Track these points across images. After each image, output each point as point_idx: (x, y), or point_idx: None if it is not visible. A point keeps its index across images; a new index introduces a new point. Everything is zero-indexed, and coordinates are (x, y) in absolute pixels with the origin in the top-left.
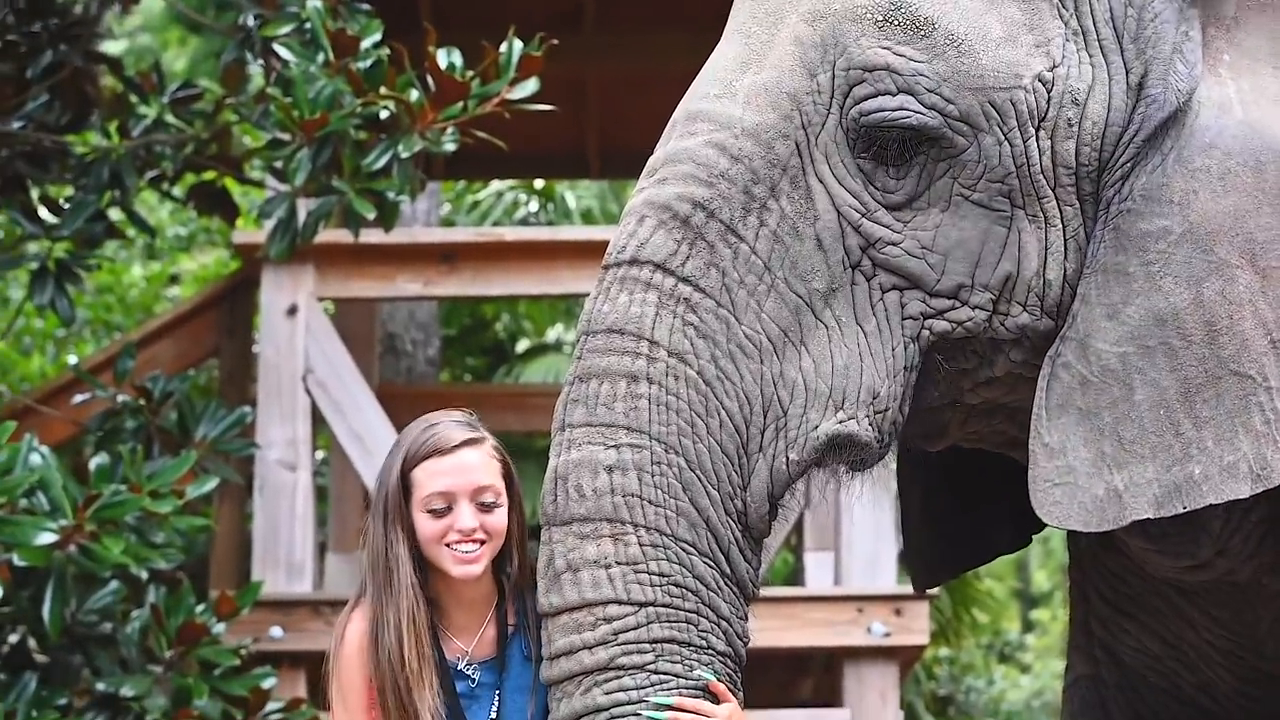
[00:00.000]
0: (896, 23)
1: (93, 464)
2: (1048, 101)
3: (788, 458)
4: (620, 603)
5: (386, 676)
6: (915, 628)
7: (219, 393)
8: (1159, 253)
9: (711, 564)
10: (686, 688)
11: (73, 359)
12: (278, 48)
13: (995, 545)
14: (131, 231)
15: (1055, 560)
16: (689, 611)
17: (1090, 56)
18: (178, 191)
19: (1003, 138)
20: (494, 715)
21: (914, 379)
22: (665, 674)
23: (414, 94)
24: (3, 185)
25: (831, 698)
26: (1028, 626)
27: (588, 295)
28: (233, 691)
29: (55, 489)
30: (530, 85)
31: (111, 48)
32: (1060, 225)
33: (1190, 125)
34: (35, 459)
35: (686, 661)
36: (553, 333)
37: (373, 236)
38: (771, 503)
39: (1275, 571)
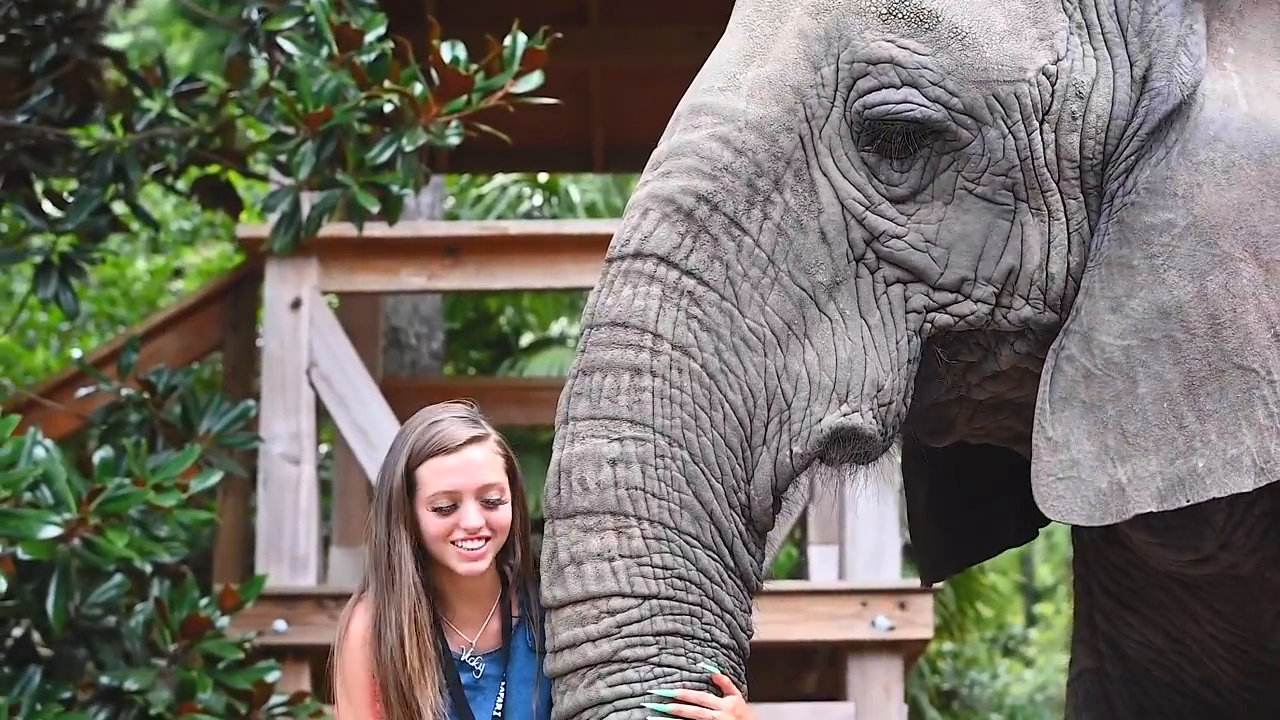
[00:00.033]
0: (900, 16)
1: (97, 457)
2: (1052, 95)
3: (791, 450)
4: (624, 596)
5: (389, 673)
6: (919, 621)
7: (223, 386)
8: (1163, 246)
9: (715, 557)
10: (690, 680)
11: (77, 353)
12: (282, 41)
13: (1001, 539)
14: (135, 225)
15: (1059, 554)
16: (693, 604)
17: (1094, 50)
18: (182, 185)
19: (1007, 131)
20: (499, 707)
21: (915, 371)
22: (669, 667)
23: (418, 87)
24: (7, 179)
25: (835, 691)
26: (1031, 621)
27: (592, 289)
28: (237, 685)
29: (59, 482)
30: (534, 79)
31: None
32: (1064, 219)
33: (1194, 118)
34: (39, 452)
35: (690, 654)
36: (557, 326)
37: (377, 230)
38: (775, 496)
39: (1279, 565)
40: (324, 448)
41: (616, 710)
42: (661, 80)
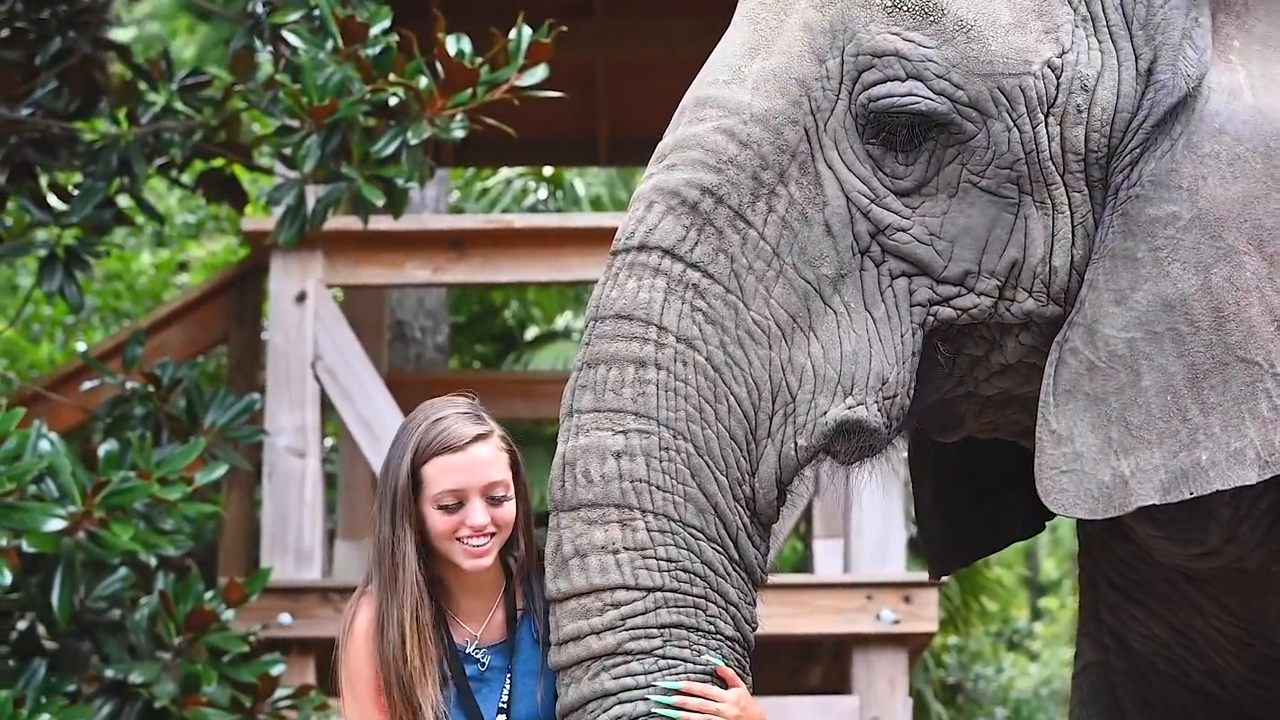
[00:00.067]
0: (905, 8)
1: (101, 450)
2: (1057, 88)
3: (796, 443)
4: (628, 588)
5: (390, 670)
6: (924, 615)
7: (228, 380)
8: (1167, 238)
9: (720, 549)
10: (694, 672)
11: (82, 346)
12: (287, 34)
13: (1008, 533)
14: (140, 219)
15: (1064, 548)
16: (697, 597)
17: (1100, 43)
18: (186, 179)
19: (1012, 124)
20: (505, 699)
21: (918, 365)
22: (673, 659)
23: (423, 81)
24: (12, 172)
25: (840, 685)
26: (1036, 614)
27: (597, 282)
28: (241, 678)
29: (64, 475)
30: (539, 72)
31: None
32: (1068, 212)
33: (1200, 111)
34: (44, 446)
35: (694, 646)
36: (561, 320)
37: (382, 223)
38: (780, 488)
39: None
40: (329, 441)
41: (621, 702)
42: (666, 73)
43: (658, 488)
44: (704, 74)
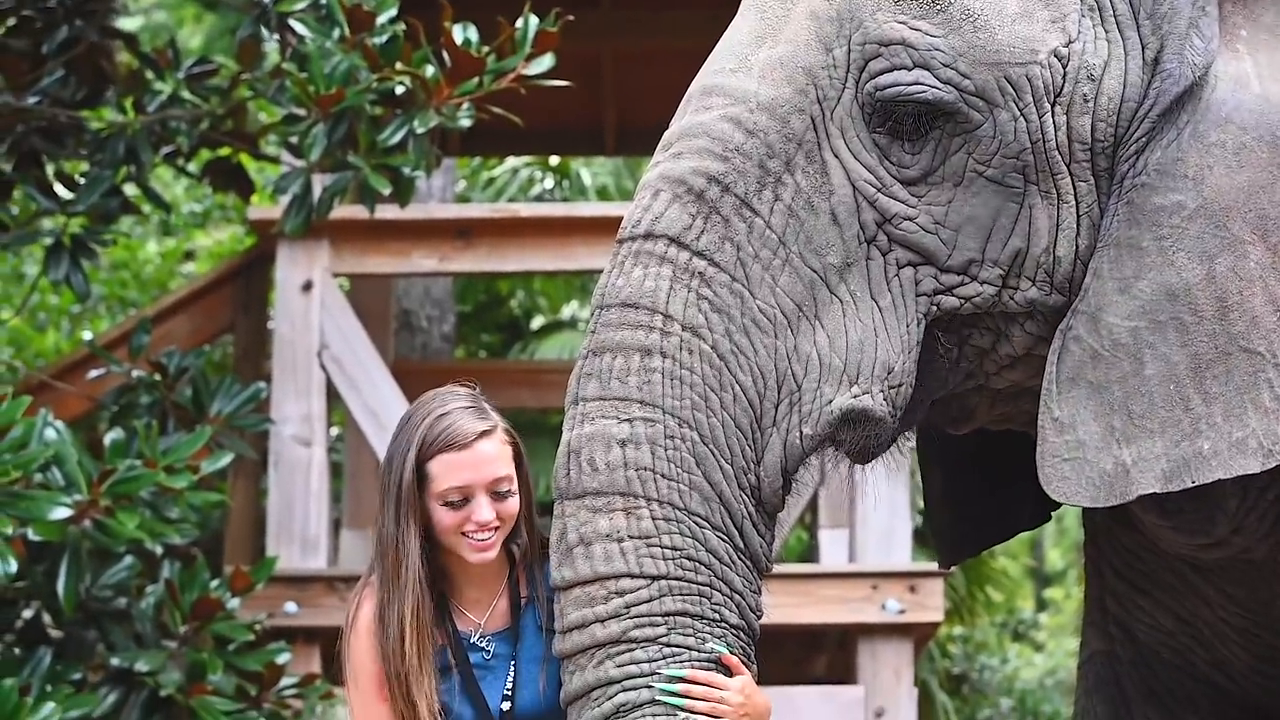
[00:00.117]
0: None
1: (107, 439)
2: (1063, 77)
3: (802, 432)
4: (632, 576)
5: (390, 664)
6: (930, 605)
7: (234, 368)
8: (1172, 228)
9: (724, 538)
10: (699, 660)
11: (88, 335)
12: (293, 23)
13: (1017, 522)
14: (147, 207)
15: (1069, 539)
16: (702, 585)
17: (1106, 32)
18: (193, 167)
19: (1018, 113)
20: (509, 686)
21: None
22: (677, 647)
23: (430, 69)
24: (18, 161)
25: (846, 674)
26: (1041, 605)
27: (603, 271)
28: (247, 667)
29: (70, 464)
30: (546, 61)
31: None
32: (1074, 201)
33: (1206, 100)
34: (50, 434)
35: (699, 635)
36: (568, 309)
37: (388, 212)
38: (785, 477)
39: None
40: (335, 430)
41: (625, 690)
42: (673, 62)
43: (663, 476)
44: (710, 62)
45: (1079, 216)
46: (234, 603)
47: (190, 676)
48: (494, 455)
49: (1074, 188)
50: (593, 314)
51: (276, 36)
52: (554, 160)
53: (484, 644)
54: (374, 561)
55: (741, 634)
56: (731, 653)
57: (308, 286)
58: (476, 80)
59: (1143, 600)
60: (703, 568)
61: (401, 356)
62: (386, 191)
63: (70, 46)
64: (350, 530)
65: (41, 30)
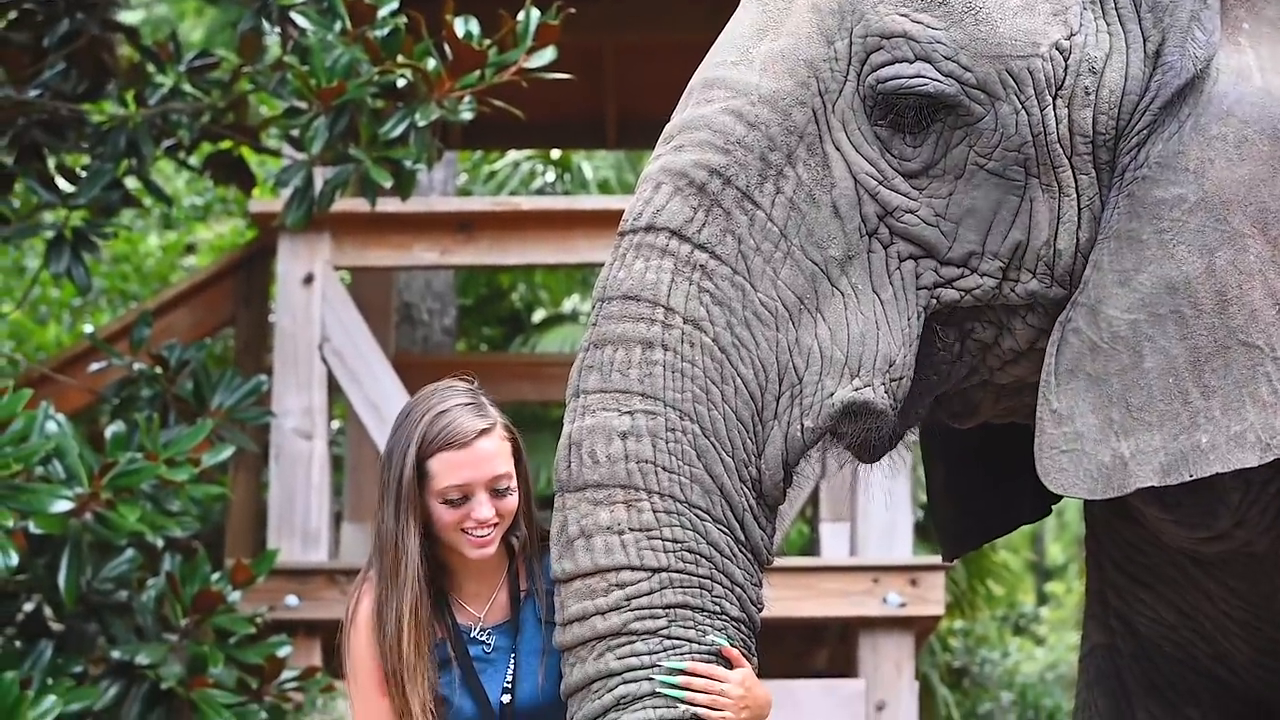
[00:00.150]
0: None
1: (109, 432)
2: (1065, 70)
3: (803, 425)
4: (633, 568)
5: (387, 661)
6: (931, 598)
7: (235, 361)
8: (1173, 221)
9: (725, 530)
10: (699, 653)
11: (89, 328)
12: (295, 16)
13: (1018, 515)
14: (148, 200)
15: (1070, 533)
16: (702, 577)
17: (1108, 25)
18: (194, 160)
19: (1020, 106)
20: (509, 678)
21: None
22: (678, 639)
23: (431, 62)
24: (19, 154)
25: (846, 668)
26: (1042, 599)
27: (604, 264)
28: (248, 660)
29: (71, 457)
30: (547, 54)
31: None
32: (1075, 194)
33: (1208, 93)
34: (51, 427)
35: (699, 627)
36: (569, 303)
37: (389, 205)
38: (786, 470)
39: None
40: (336, 423)
41: (625, 682)
42: (675, 55)
43: (664, 469)
44: (712, 55)
45: (1080, 209)
46: (235, 596)
47: (191, 669)
48: (493, 453)
49: (1075, 180)
50: (594, 307)
51: (278, 30)
52: (555, 153)
53: (484, 637)
54: (373, 557)
55: (742, 626)
56: (732, 645)
57: (309, 279)
58: (478, 73)
59: (1144, 594)
60: (703, 560)
61: (403, 349)
62: (388, 184)
63: (71, 40)
64: (351, 523)
65: (43, 23)
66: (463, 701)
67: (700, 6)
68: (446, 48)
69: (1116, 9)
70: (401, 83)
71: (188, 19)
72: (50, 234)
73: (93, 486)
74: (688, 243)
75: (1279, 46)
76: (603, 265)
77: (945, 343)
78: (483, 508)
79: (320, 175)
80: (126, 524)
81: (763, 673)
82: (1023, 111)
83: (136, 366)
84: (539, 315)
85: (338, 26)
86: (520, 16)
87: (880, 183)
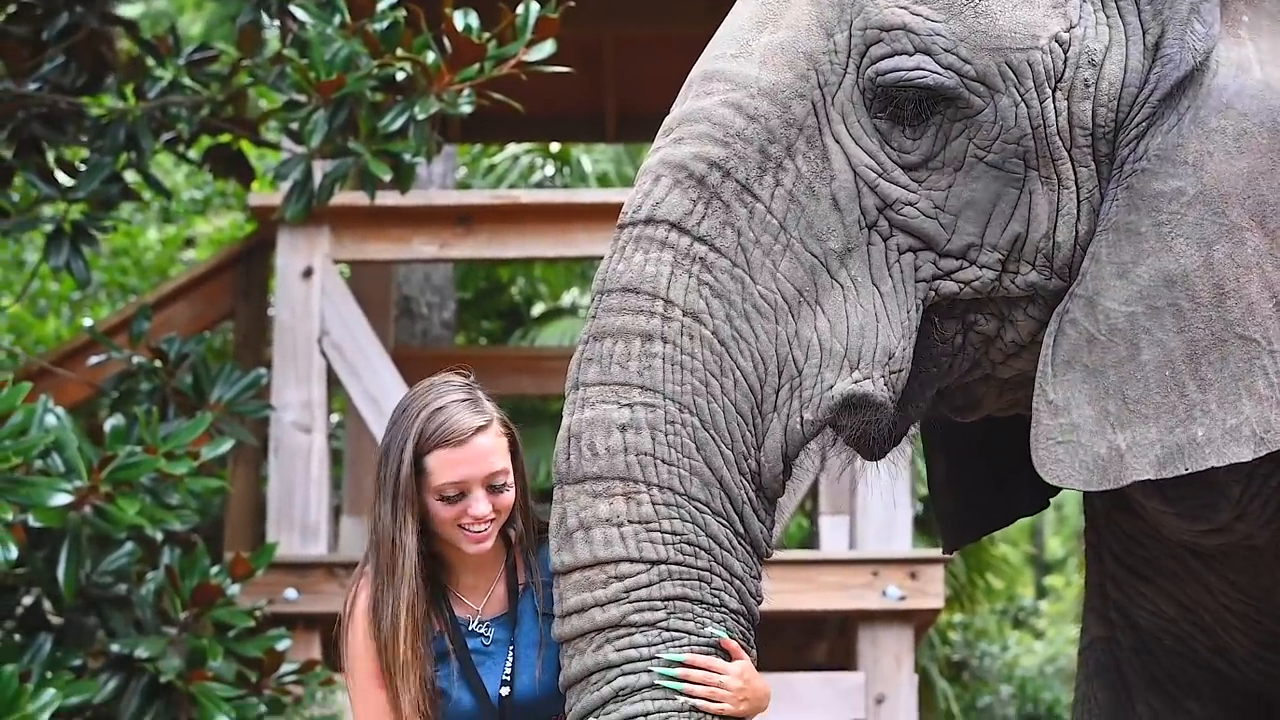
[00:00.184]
0: None
1: (108, 425)
2: (1064, 62)
3: (802, 417)
4: (632, 561)
5: (383, 657)
6: (930, 591)
7: (234, 355)
8: (1171, 214)
9: (725, 523)
10: (698, 645)
11: (88, 321)
12: (294, 9)
13: (1017, 508)
14: (147, 194)
15: (1069, 526)
16: (701, 570)
17: (1107, 17)
18: (193, 154)
19: (1019, 99)
20: (508, 671)
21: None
22: (677, 631)
23: (430, 56)
24: (19, 147)
25: (846, 661)
26: (1041, 592)
27: (603, 258)
28: (247, 653)
29: (70, 450)
30: (547, 47)
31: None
32: (1074, 186)
33: (1207, 85)
34: (50, 420)
35: (698, 619)
36: (568, 296)
37: (389, 199)
38: (786, 462)
39: None
40: (335, 416)
41: (624, 674)
42: (674, 49)
43: (663, 461)
44: (711, 48)
45: (1079, 202)
46: (234, 589)
47: (190, 663)
48: (490, 450)
49: (1074, 173)
50: (593, 299)
51: (277, 23)
52: (555, 147)
53: (482, 630)
54: (369, 552)
55: (741, 619)
56: (731, 637)
57: (308, 273)
58: (477, 66)
59: (1144, 586)
60: (702, 553)
61: (402, 343)
62: (387, 178)
63: (71, 33)
64: (350, 517)
65: (42, 17)
66: (461, 694)
67: (700, 0)
68: (446, 41)
69: (1116, 1)
70: (401, 76)
71: (187, 12)
72: (49, 227)
73: (92, 480)
74: (687, 235)
75: (1278, 39)
76: (602, 258)
77: (946, 335)
78: (479, 504)
79: (319, 168)
80: (126, 517)
81: (762, 666)
82: (1022, 104)
83: (136, 360)
84: (538, 309)
85: (337, 20)
86: (519, 10)
87: (880, 175)
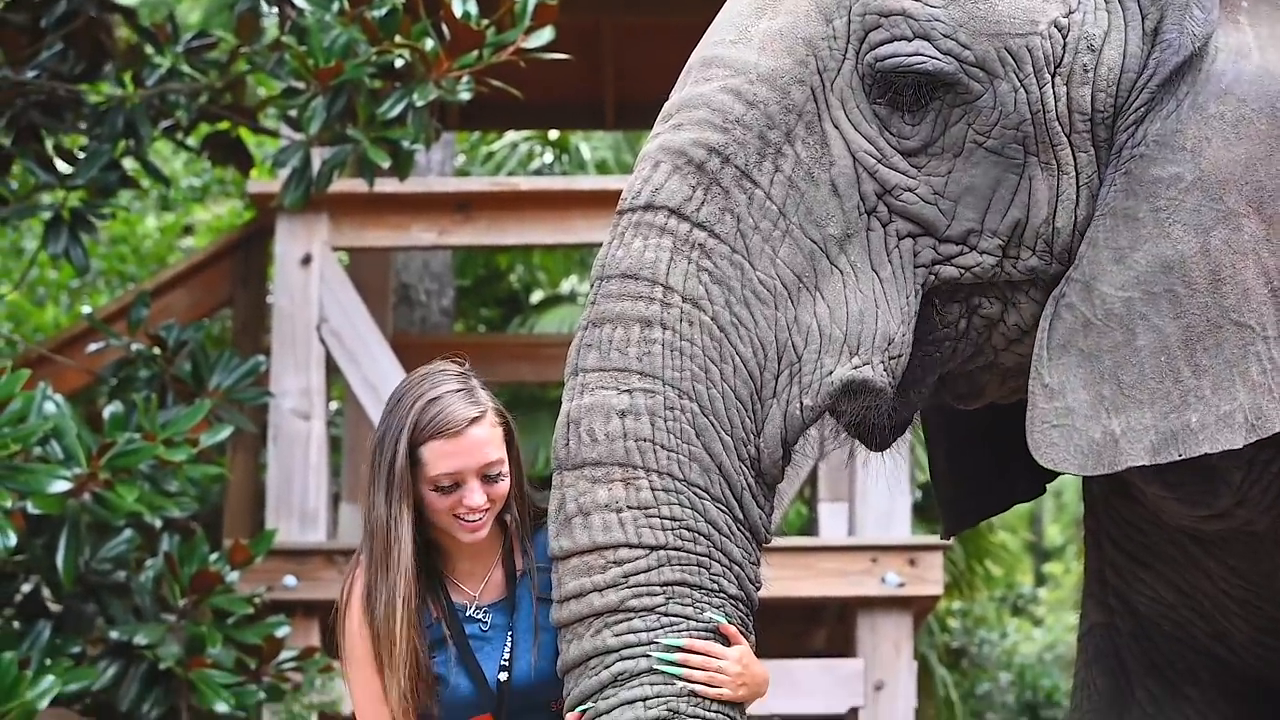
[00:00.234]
0: None
1: (107, 412)
2: (1063, 47)
3: (802, 403)
4: (631, 546)
5: (376, 644)
6: (929, 578)
7: (233, 342)
8: (1169, 199)
9: (724, 509)
10: (697, 630)
11: (87, 309)
12: None
13: (1014, 493)
14: (146, 181)
15: (1068, 514)
16: (700, 555)
17: (1106, 2)
18: (192, 141)
19: (1018, 84)
20: (506, 656)
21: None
22: (675, 616)
23: (429, 42)
24: (17, 135)
25: (845, 648)
26: (1040, 580)
27: (602, 245)
28: (246, 640)
29: (69, 437)
30: (545, 34)
31: None
32: (1073, 172)
33: (1206, 71)
34: (49, 407)
35: (697, 604)
36: (567, 284)
37: (387, 186)
38: (785, 448)
39: None
40: (334, 404)
41: (622, 659)
42: (673, 36)
43: (662, 447)
44: (710, 34)
45: (1079, 187)
46: (233, 576)
47: (189, 650)
48: (485, 440)
49: (1074, 158)
50: (593, 285)
51: (275, 10)
52: (553, 134)
53: (480, 615)
54: (363, 541)
55: (740, 604)
56: (730, 623)
57: (307, 260)
58: (476, 53)
59: (1143, 573)
60: (701, 538)
61: (400, 330)
62: (385, 165)
63: (69, 20)
64: (349, 504)
65: (40, 4)
66: (459, 680)
67: None
68: (444, 28)
69: None
70: (399, 63)
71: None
72: (48, 215)
73: (91, 467)
74: (686, 221)
75: (1277, 25)
76: (601, 245)
77: (949, 319)
78: (474, 494)
79: (318, 156)
80: (124, 504)
81: (760, 652)
82: (1021, 89)
83: (134, 347)
84: (537, 296)
85: (335, 7)
86: None
87: (879, 161)
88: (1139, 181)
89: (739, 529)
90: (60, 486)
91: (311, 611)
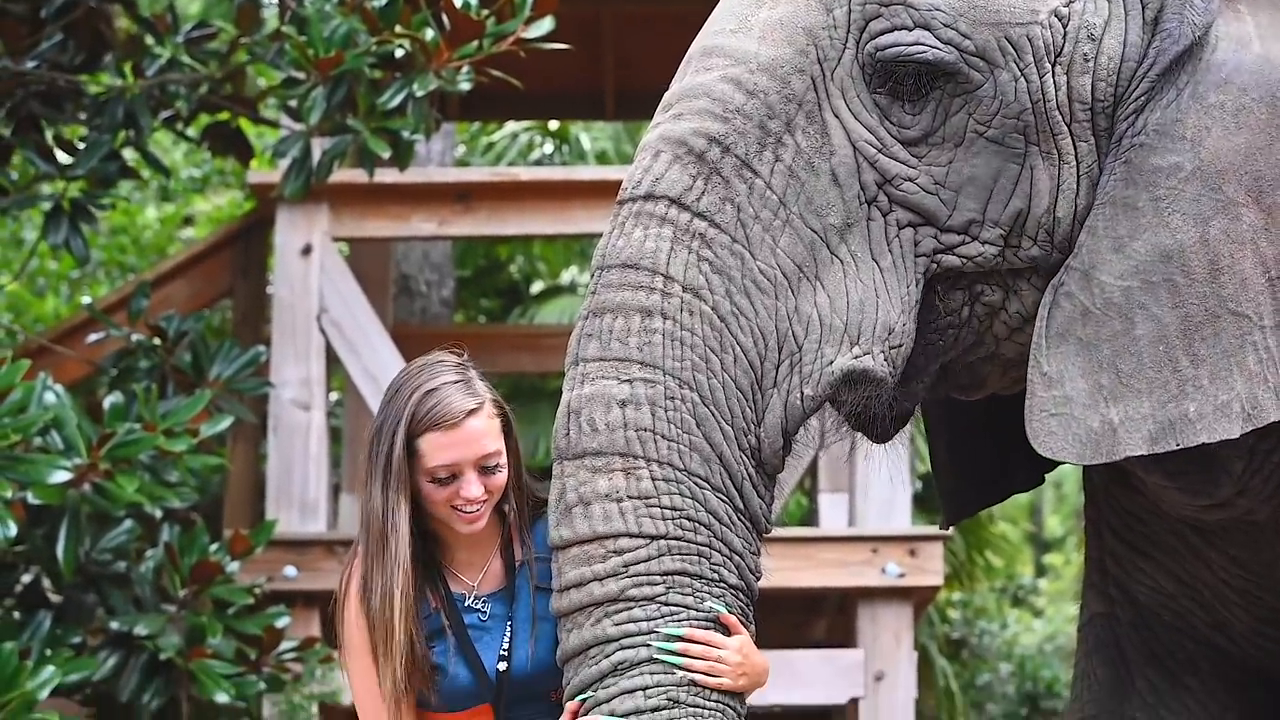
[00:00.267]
0: None
1: (107, 403)
2: (1064, 37)
3: (802, 393)
4: (631, 535)
5: (373, 635)
6: (929, 568)
7: (233, 332)
8: (1169, 189)
9: (724, 499)
10: (697, 619)
11: (87, 299)
12: None
13: (1013, 483)
14: (146, 172)
15: (1068, 505)
16: (701, 545)
17: None
18: (192, 132)
19: (1019, 73)
20: (506, 645)
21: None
22: (676, 606)
23: (429, 32)
24: (17, 125)
25: (845, 638)
26: (1040, 571)
27: (602, 235)
28: (246, 630)
29: (69, 428)
30: (545, 24)
31: None
32: (1074, 161)
33: (1206, 60)
34: (50, 398)
35: (697, 594)
36: (567, 274)
37: (387, 176)
38: (785, 438)
39: None
40: (334, 394)
41: (623, 648)
42: (673, 25)
43: (662, 436)
44: (711, 23)
45: (1079, 177)
46: (233, 566)
47: (189, 640)
48: (482, 432)
49: (1074, 148)
50: (593, 275)
51: (275, 0)
52: (553, 125)
53: (479, 605)
54: (360, 532)
55: (740, 594)
56: (730, 612)
57: (307, 250)
58: (476, 43)
59: (1143, 563)
60: (702, 528)
61: (401, 321)
62: (386, 155)
63: (69, 11)
64: (349, 494)
65: None
66: (458, 670)
67: None
68: (444, 18)
69: None
70: (399, 53)
71: None
72: (48, 205)
73: (91, 457)
74: (687, 211)
75: (1278, 14)
76: (601, 236)
77: (952, 306)
78: (472, 486)
79: (318, 146)
80: (125, 495)
81: (761, 642)
82: (1022, 79)
83: (135, 338)
84: (537, 287)
85: None
86: None
87: (879, 150)
88: (1139, 170)
89: (739, 519)
90: (60, 477)
91: (312, 602)
